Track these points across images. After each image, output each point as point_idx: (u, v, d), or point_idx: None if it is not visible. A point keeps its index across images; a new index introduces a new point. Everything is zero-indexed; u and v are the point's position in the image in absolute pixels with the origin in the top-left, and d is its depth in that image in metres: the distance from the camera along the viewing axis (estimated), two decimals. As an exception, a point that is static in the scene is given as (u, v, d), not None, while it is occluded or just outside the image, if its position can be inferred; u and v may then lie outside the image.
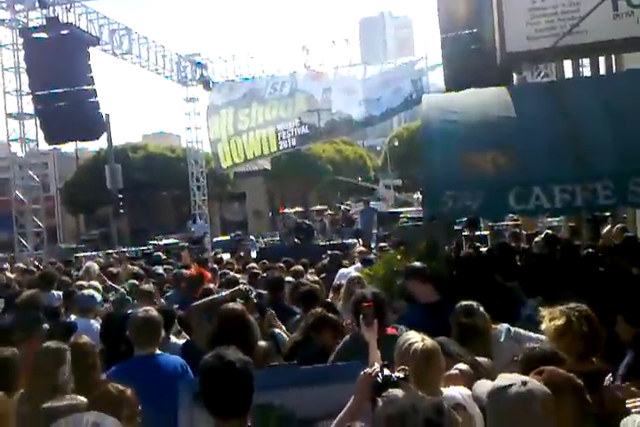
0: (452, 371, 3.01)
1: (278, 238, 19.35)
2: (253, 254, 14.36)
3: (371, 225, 16.76)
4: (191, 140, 25.65)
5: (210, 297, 4.85)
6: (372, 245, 12.92)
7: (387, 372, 2.63)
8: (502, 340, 3.60)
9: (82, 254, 16.31)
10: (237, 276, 7.91)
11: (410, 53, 68.67)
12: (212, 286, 6.53)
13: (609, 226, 7.94)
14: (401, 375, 2.57)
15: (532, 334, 3.58)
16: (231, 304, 4.20)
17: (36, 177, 19.12)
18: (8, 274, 10.23)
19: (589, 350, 3.00)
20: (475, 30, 10.85)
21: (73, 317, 5.65)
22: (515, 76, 11.08)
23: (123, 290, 7.64)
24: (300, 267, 8.28)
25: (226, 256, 13.62)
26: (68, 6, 19.09)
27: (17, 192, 18.91)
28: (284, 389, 3.20)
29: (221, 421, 2.32)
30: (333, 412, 2.83)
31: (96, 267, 8.97)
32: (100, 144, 34.85)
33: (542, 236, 8.18)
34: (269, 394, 3.11)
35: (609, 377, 2.94)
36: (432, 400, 1.81)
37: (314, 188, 37.46)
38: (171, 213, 34.20)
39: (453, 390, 2.80)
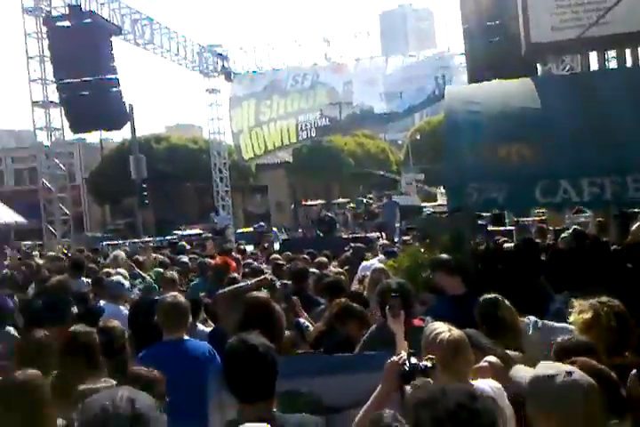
0: (482, 363, 3.00)
1: (300, 231, 19.41)
2: (276, 246, 14.43)
3: (394, 219, 16.71)
4: (213, 131, 25.77)
5: (235, 285, 4.90)
6: (396, 239, 12.90)
7: (414, 360, 2.64)
8: (530, 333, 3.58)
9: (109, 243, 16.59)
10: (262, 266, 8.00)
11: (431, 46, 67.83)
12: (236, 275, 6.60)
13: (638, 222, 7.80)
14: (428, 364, 2.57)
15: (560, 324, 3.56)
16: (256, 293, 4.24)
17: (62, 166, 19.41)
18: (38, 260, 10.46)
19: (620, 344, 2.98)
20: (498, 21, 10.71)
21: (102, 302, 5.76)
22: (539, 67, 10.92)
23: (149, 278, 7.77)
24: (323, 259, 8.32)
25: (249, 248, 13.73)
26: (90, -6, 19.21)
27: (44, 180, 19.23)
28: (310, 376, 3.24)
29: (246, 404, 2.33)
30: (360, 400, 2.85)
31: (123, 255, 9.12)
32: (123, 135, 35.28)
33: (569, 231, 8.07)
34: (296, 381, 3.15)
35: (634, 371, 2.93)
36: (464, 386, 1.82)
37: (335, 181, 37.44)
38: (194, 205, 34.47)
39: (482, 383, 2.79)
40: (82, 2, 18.58)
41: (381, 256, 7.81)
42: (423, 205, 20.47)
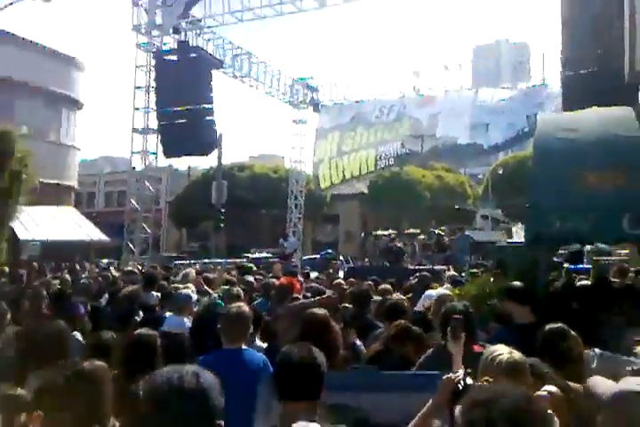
0: (540, 392, 2.86)
1: (367, 260, 19.29)
2: (341, 274, 14.39)
3: (464, 252, 16.32)
4: (295, 160, 26.40)
5: (299, 301, 4.93)
6: (463, 274, 12.53)
7: (469, 380, 2.57)
8: (595, 365, 3.38)
9: (181, 262, 17.20)
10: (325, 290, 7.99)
11: (525, 79, 66.16)
12: (299, 296, 6.63)
13: None
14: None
15: (626, 357, 3.34)
16: (316, 309, 4.25)
17: (150, 187, 20.49)
18: (113, 272, 10.95)
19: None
20: (600, 51, 10.33)
21: (168, 313, 5.93)
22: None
23: (216, 295, 7.94)
24: (387, 286, 8.18)
25: (314, 274, 13.75)
26: (198, 32, 20.80)
27: (132, 200, 20.33)
28: (360, 392, 3.19)
29: (289, 403, 2.36)
30: (408, 419, 2.79)
31: (193, 273, 9.38)
32: (210, 163, 36.75)
33: (652, 271, 7.60)
34: (345, 395, 3.12)
35: None
36: (521, 390, 1.75)
37: (408, 213, 37.11)
38: (267, 232, 35.10)
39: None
40: (190, 38, 20.05)
41: (448, 285, 7.61)
42: (497, 239, 19.84)
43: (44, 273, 12.26)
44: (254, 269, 12.10)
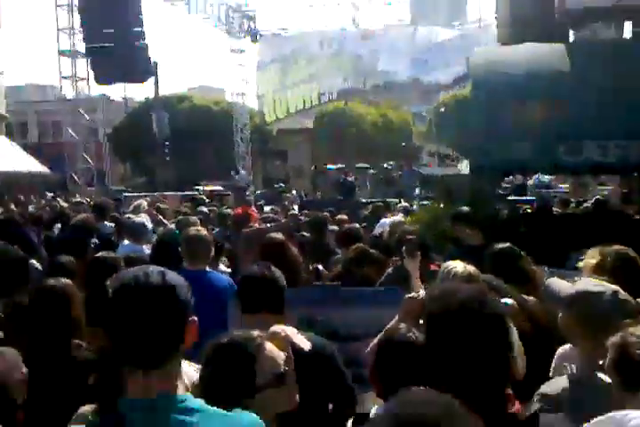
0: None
1: (319, 194, 19.44)
2: (296, 208, 14.47)
3: (413, 186, 16.66)
4: (237, 92, 25.75)
5: (255, 227, 5.01)
6: (414, 205, 12.84)
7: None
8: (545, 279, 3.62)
9: (130, 194, 16.85)
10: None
11: (462, 16, 65.71)
12: (256, 225, 6.70)
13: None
14: None
15: (572, 271, 3.60)
16: (273, 233, 4.30)
17: (87, 116, 19.64)
18: (62, 203, 10.65)
19: (627, 288, 3.01)
20: None
21: (126, 242, 5.88)
22: (572, 34, 10.66)
23: (172, 225, 7.90)
24: (343, 216, 8.34)
25: (268, 208, 13.76)
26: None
27: (69, 129, 19.49)
28: (326, 306, 3.36)
29: (250, 316, 2.44)
30: (373, 332, 2.95)
31: (145, 203, 9.22)
32: (146, 94, 35.20)
33: (591, 201, 8.04)
34: (313, 310, 3.27)
35: None
36: (474, 286, 1.89)
37: (355, 149, 37.21)
38: (214, 165, 34.58)
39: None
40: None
41: (400, 215, 7.84)
42: (445, 173, 20.30)
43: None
44: (207, 201, 12.05)
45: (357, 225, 7.49)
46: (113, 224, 7.41)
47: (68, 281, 2.94)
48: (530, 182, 14.52)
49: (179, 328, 1.44)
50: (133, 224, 6.07)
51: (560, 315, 2.20)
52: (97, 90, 21.30)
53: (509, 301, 3.07)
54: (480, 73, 5.75)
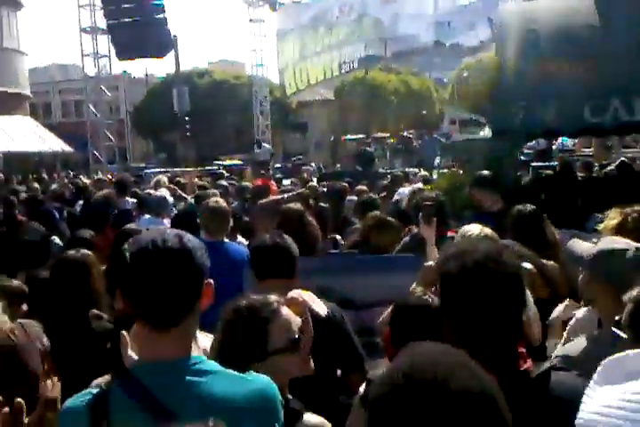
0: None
1: (338, 166, 19.35)
2: (315, 180, 14.42)
3: (434, 155, 16.43)
4: (255, 63, 25.55)
5: (274, 198, 5.00)
6: (435, 176, 12.68)
7: None
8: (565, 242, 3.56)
9: (151, 171, 17.01)
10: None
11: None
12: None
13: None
14: None
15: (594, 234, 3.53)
16: (291, 204, 4.29)
17: (108, 92, 19.71)
18: (84, 180, 10.80)
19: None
20: None
21: (147, 216, 5.94)
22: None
23: (192, 200, 7.95)
24: (363, 187, 8.27)
25: (287, 182, 13.75)
26: None
27: (90, 106, 19.62)
28: (342, 275, 3.35)
29: (264, 282, 2.47)
30: (390, 300, 2.94)
31: (165, 179, 9.31)
32: (167, 70, 35.15)
33: (615, 164, 7.84)
34: (328, 279, 3.26)
35: None
36: (491, 244, 1.85)
37: (376, 118, 36.77)
38: (234, 140, 34.59)
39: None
40: None
41: (419, 184, 7.76)
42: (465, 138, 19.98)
43: (11, 183, 12.01)
44: (227, 175, 12.08)
45: (375, 195, 7.49)
46: (134, 200, 7.49)
47: (89, 252, 2.98)
48: (554, 148, 14.22)
49: (195, 289, 1.46)
50: (154, 198, 6.13)
51: (581, 276, 2.16)
52: (119, 67, 21.40)
53: (528, 265, 3.04)
54: (504, 31, 5.54)
